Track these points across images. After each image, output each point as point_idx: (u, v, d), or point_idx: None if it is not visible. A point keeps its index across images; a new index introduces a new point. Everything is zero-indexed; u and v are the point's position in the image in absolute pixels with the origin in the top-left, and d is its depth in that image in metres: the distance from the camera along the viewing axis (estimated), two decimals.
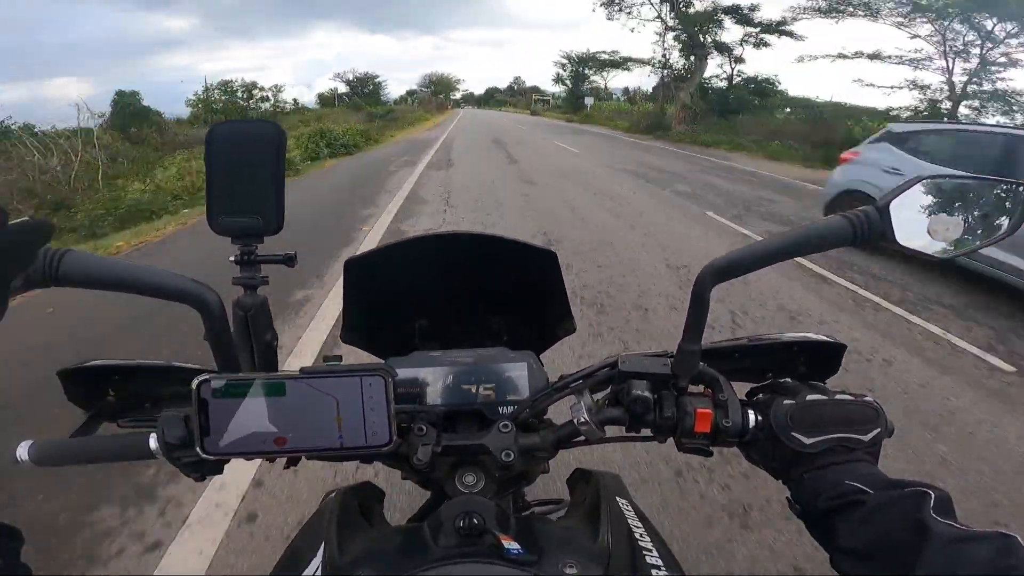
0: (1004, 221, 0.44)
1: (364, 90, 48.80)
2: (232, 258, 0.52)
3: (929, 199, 0.45)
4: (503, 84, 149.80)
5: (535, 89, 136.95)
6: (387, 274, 0.65)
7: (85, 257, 0.41)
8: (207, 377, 0.43)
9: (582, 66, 44.78)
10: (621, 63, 36.79)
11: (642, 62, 29.33)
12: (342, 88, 48.43)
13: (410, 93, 61.59)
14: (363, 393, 0.43)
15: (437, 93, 67.04)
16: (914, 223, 0.44)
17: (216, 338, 0.46)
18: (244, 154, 0.50)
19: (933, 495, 0.38)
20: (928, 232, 0.44)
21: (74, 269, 0.40)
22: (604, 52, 39.19)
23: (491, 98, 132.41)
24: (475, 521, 0.43)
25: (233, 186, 0.50)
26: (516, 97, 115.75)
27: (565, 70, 46.04)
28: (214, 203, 0.50)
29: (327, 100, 47.23)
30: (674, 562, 0.47)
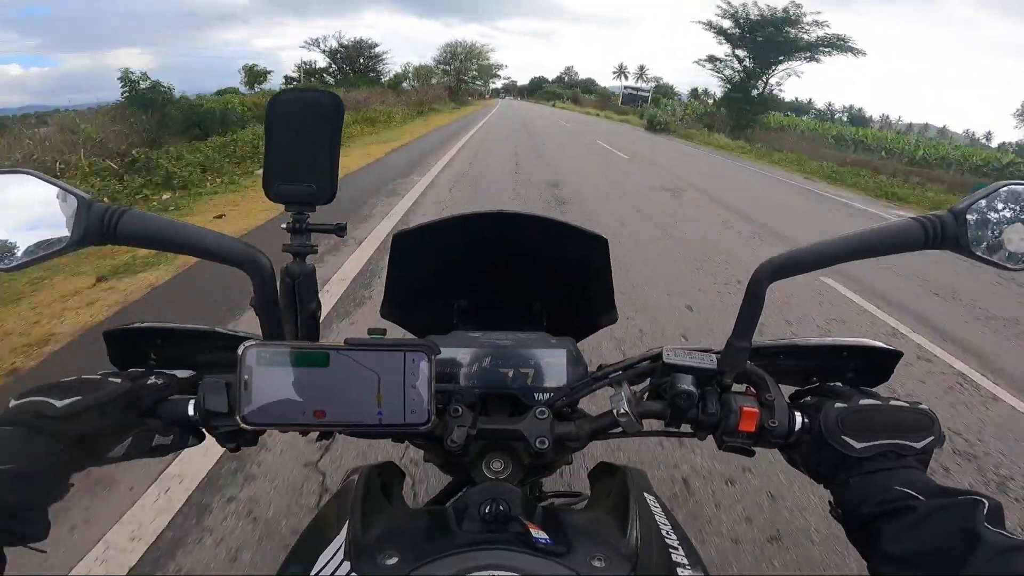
0: None
1: (356, 64, 36.74)
2: (284, 225, 0.55)
3: (1009, 208, 0.44)
4: (551, 74, 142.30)
5: (590, 82, 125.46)
6: (433, 250, 0.67)
7: (142, 216, 0.43)
8: (254, 343, 0.44)
9: (758, 33, 22.32)
10: (827, 45, 21.00)
11: (856, 51, 20.64)
12: (322, 61, 36.59)
13: (418, 71, 41.35)
14: (405, 369, 0.44)
15: (462, 75, 47.66)
16: (990, 232, 0.44)
17: (264, 304, 0.48)
18: (303, 123, 0.53)
19: (987, 504, 0.38)
20: (1003, 241, 0.44)
21: (131, 228, 0.43)
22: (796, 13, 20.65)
23: (538, 88, 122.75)
24: (501, 508, 0.44)
25: (290, 154, 0.53)
26: (569, 89, 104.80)
27: (727, 39, 23.84)
28: (271, 170, 0.53)
29: (307, 74, 36.06)
30: (700, 562, 0.47)
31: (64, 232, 0.42)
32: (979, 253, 0.44)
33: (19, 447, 0.38)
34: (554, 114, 38.24)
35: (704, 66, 26.64)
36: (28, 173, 0.42)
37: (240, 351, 0.43)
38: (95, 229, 0.42)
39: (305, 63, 37.75)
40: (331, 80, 37.30)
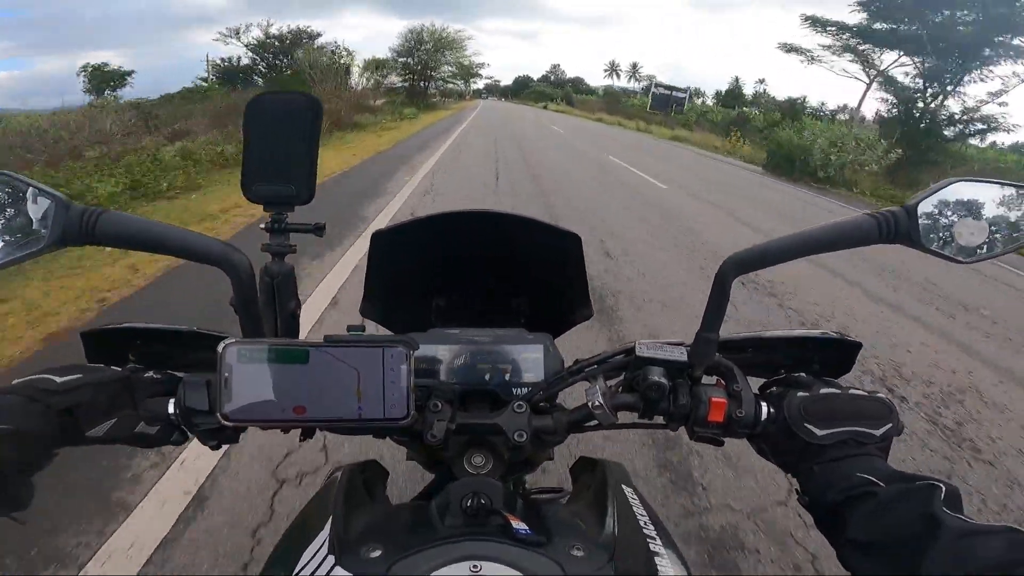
0: None
1: (295, 60, 26.92)
2: (263, 225, 0.56)
3: (958, 203, 0.47)
4: (536, 73, 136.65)
5: (578, 80, 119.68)
6: (411, 249, 0.69)
7: (120, 217, 0.45)
8: (233, 341, 0.45)
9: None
10: None
11: None
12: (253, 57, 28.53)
13: (370, 65, 29.67)
14: (384, 365, 0.46)
15: (429, 70, 35.94)
16: (940, 226, 0.47)
17: (243, 303, 0.49)
18: (281, 124, 0.54)
19: (944, 489, 0.41)
20: (953, 235, 0.47)
21: (109, 228, 0.44)
22: None
23: (524, 88, 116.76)
24: (483, 501, 0.46)
25: (268, 155, 0.54)
26: (557, 88, 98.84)
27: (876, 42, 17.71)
28: (249, 170, 0.54)
29: (228, 73, 27.08)
30: (677, 551, 0.49)
31: (41, 233, 0.42)
32: (931, 247, 0.47)
33: (15, 412, 0.41)
34: (551, 123, 27.80)
35: (837, 71, 19.15)
36: (4, 174, 0.43)
37: (220, 349, 0.45)
38: (73, 230, 0.43)
39: (224, 60, 29.29)
40: (259, 80, 29.76)
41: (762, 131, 23.34)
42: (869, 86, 20.00)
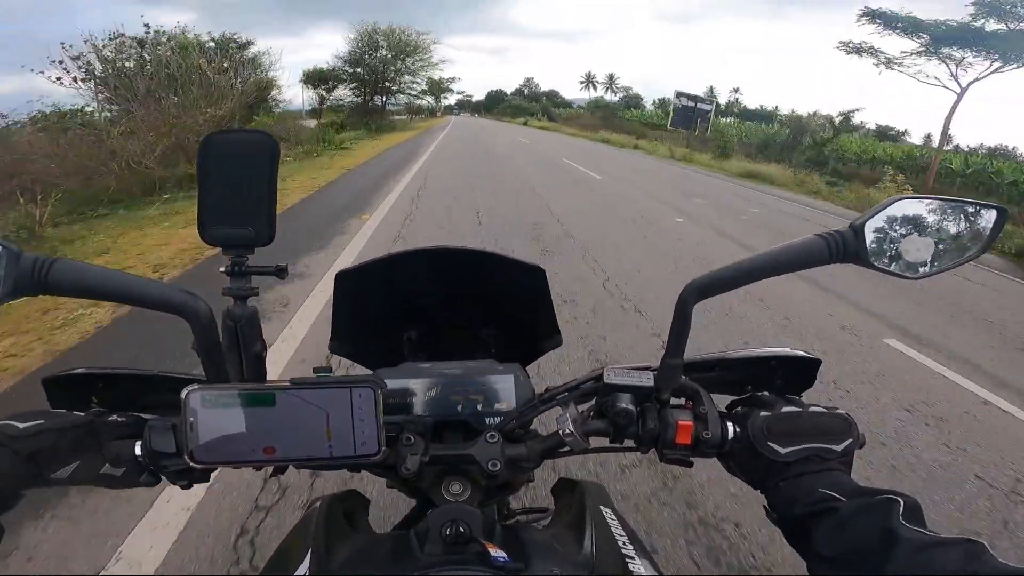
0: (975, 242, 0.50)
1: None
2: (222, 268, 0.56)
3: (903, 220, 0.50)
4: (509, 87, 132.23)
5: (553, 94, 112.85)
6: (377, 286, 0.70)
7: (74, 266, 0.45)
8: (196, 387, 0.46)
9: None
10: None
11: None
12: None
13: (312, 76, 27.48)
14: (352, 404, 0.47)
15: (379, 82, 29.25)
16: (887, 243, 0.50)
17: (205, 348, 0.50)
18: (237, 164, 0.54)
19: (903, 503, 0.43)
20: (900, 253, 0.50)
21: (62, 277, 0.44)
22: None
23: (497, 103, 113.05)
24: (461, 529, 0.47)
25: (225, 196, 0.54)
26: (532, 102, 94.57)
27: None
28: (206, 212, 0.54)
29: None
30: (656, 569, 0.51)
31: None
32: (879, 265, 0.49)
33: None
34: (543, 146, 22.05)
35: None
36: None
37: (183, 395, 0.45)
38: (25, 281, 0.43)
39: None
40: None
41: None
42: (961, 96, 16.68)
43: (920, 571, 0.38)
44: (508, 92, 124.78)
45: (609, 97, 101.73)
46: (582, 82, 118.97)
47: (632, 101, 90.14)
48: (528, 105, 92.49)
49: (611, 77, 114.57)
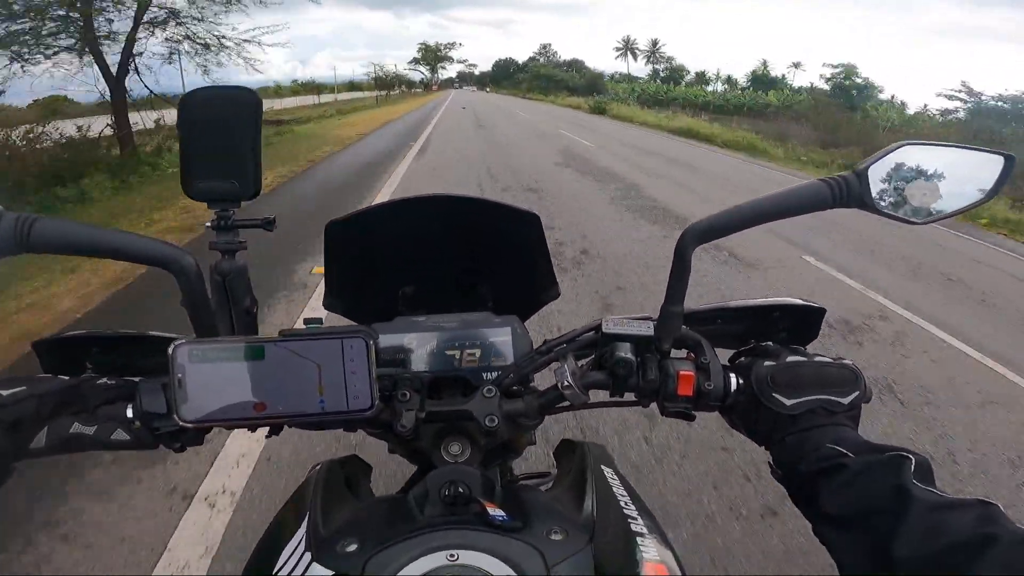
0: (981, 189, 0.53)
1: None
2: (208, 223, 0.58)
3: (908, 166, 0.53)
4: (521, 56, 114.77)
5: (577, 63, 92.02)
6: (369, 238, 0.72)
7: (56, 223, 0.47)
8: (183, 341, 0.48)
9: None
10: None
11: None
12: None
13: None
14: (344, 356, 0.49)
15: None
16: (892, 188, 0.52)
17: (193, 304, 0.52)
18: (220, 120, 0.57)
19: (913, 460, 0.44)
20: (905, 197, 0.52)
21: (45, 235, 0.46)
22: None
23: (507, 75, 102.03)
24: (460, 490, 0.49)
25: (209, 151, 0.57)
26: (567, 72, 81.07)
27: None
28: (189, 168, 0.57)
29: None
30: (658, 530, 0.53)
31: None
32: (884, 210, 0.52)
33: None
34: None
35: None
36: None
37: (170, 351, 0.47)
38: (8, 240, 0.45)
39: None
40: None
41: None
42: None
43: (935, 532, 0.38)
44: (520, 61, 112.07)
45: (648, 69, 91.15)
46: (618, 49, 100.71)
47: (675, 75, 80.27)
48: (565, 76, 77.73)
49: (655, 43, 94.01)
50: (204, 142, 0.58)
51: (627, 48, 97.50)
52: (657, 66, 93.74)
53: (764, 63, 79.00)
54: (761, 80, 69.87)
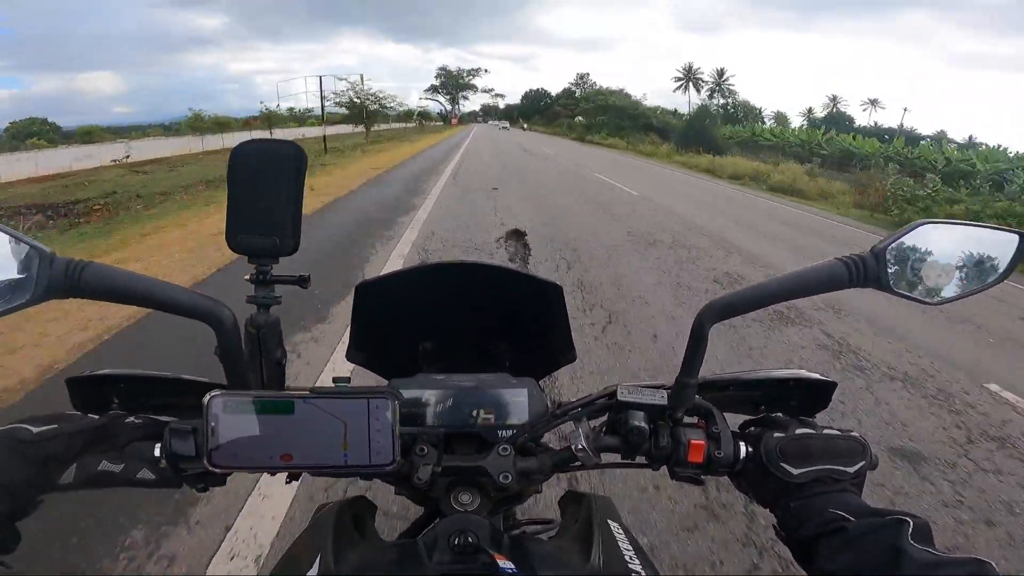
0: (997, 268, 0.56)
1: None
2: (247, 277, 0.63)
3: (925, 245, 0.56)
4: (553, 88, 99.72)
5: (621, 95, 70.53)
6: (396, 298, 0.77)
7: (105, 270, 0.51)
8: (219, 393, 0.52)
9: None
10: None
11: None
12: None
13: None
14: (370, 414, 0.53)
15: None
16: (908, 269, 0.56)
17: (228, 354, 0.56)
18: (265, 173, 0.62)
19: (912, 523, 0.47)
20: (921, 277, 0.56)
21: (94, 281, 0.50)
22: None
23: (537, 108, 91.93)
24: (469, 539, 0.52)
25: (252, 205, 0.62)
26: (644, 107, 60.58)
27: None
28: (233, 221, 0.62)
29: None
30: None
31: (26, 285, 0.49)
32: (899, 290, 0.55)
33: None
34: None
35: None
36: None
37: (205, 400, 0.51)
38: (58, 283, 0.49)
39: None
40: None
41: None
42: None
43: None
44: (553, 93, 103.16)
45: (715, 102, 75.59)
46: (678, 80, 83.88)
47: (746, 112, 68.05)
48: (647, 111, 56.89)
49: (721, 73, 76.67)
50: (249, 195, 0.63)
51: (689, 78, 77.67)
52: (722, 100, 78.51)
53: (834, 99, 71.20)
54: (836, 120, 62.37)
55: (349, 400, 0.54)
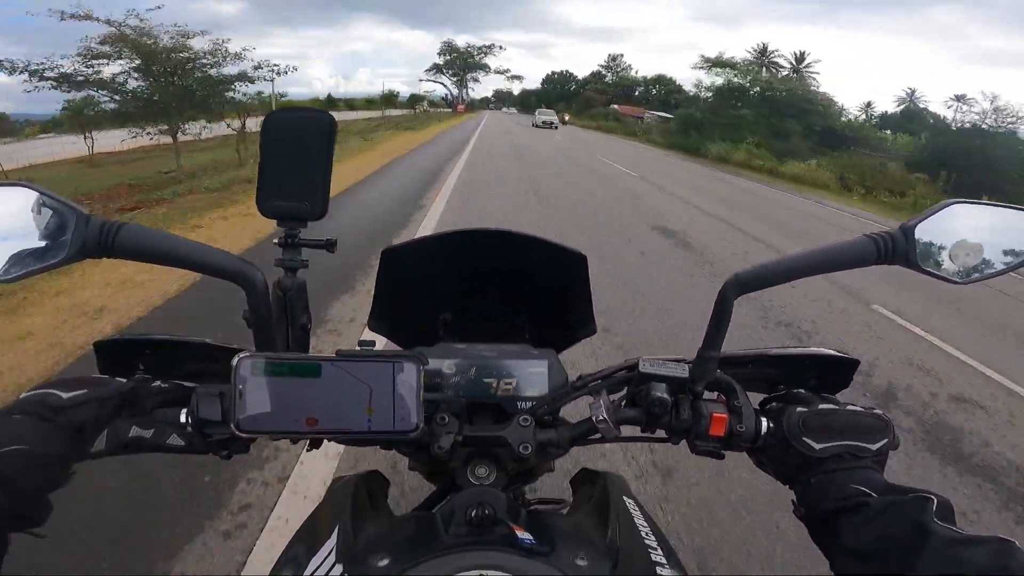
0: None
1: None
2: (276, 240, 0.66)
3: (954, 224, 0.58)
4: (581, 71, 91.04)
5: (664, 80, 67.18)
6: (419, 265, 0.80)
7: (139, 230, 0.53)
8: (248, 354, 0.54)
9: None
10: None
11: None
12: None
13: None
14: (395, 378, 0.55)
15: None
16: (937, 247, 0.58)
17: (257, 317, 0.58)
18: (296, 141, 0.65)
19: (936, 500, 0.48)
20: (949, 256, 0.58)
21: (128, 242, 0.52)
22: None
23: (562, 94, 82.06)
24: (487, 512, 0.54)
25: (283, 171, 0.65)
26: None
27: None
28: (264, 186, 0.65)
29: None
30: (677, 562, 0.58)
31: (61, 245, 0.51)
32: (927, 268, 0.57)
33: (30, 433, 0.49)
34: None
35: None
36: (27, 186, 0.52)
37: (234, 362, 0.53)
38: (93, 243, 0.51)
39: None
40: None
41: None
42: None
43: (950, 567, 0.43)
44: (580, 76, 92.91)
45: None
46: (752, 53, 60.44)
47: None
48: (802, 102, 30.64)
49: (800, 58, 60.55)
50: (280, 162, 0.66)
51: (764, 60, 58.92)
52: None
53: (911, 93, 64.35)
54: (914, 117, 52.67)
55: (375, 363, 0.56)
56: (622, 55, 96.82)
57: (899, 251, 0.58)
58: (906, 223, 0.58)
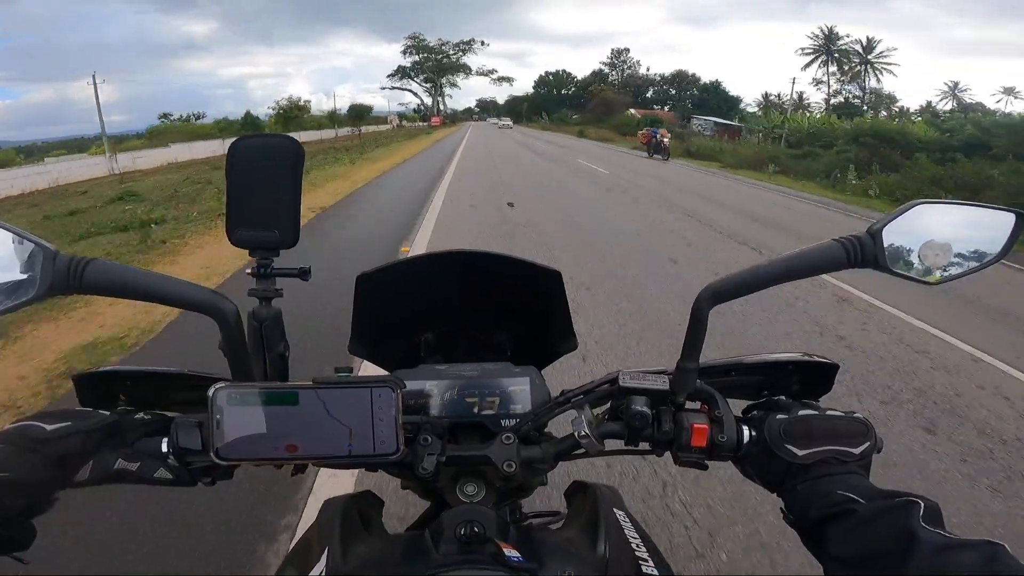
0: (994, 247, 0.61)
1: None
2: (249, 270, 0.67)
3: (922, 225, 0.60)
4: (578, 70, 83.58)
5: (688, 78, 62.35)
6: (396, 289, 0.82)
7: (107, 266, 0.54)
8: (224, 385, 0.55)
9: None
10: None
11: None
12: None
13: None
14: (372, 404, 0.57)
15: None
16: (905, 248, 0.60)
17: (231, 348, 0.60)
18: (263, 168, 0.67)
19: (923, 505, 0.49)
20: (919, 257, 0.60)
21: (96, 277, 0.54)
22: None
23: (557, 98, 76.27)
24: (476, 529, 0.56)
25: (252, 199, 0.66)
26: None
27: None
28: (233, 215, 0.66)
29: None
30: (669, 573, 0.59)
31: (30, 283, 0.53)
32: (898, 270, 0.59)
33: (13, 461, 0.51)
34: None
35: None
36: None
37: (211, 393, 0.55)
38: (61, 280, 0.53)
39: None
40: None
41: None
42: None
43: (939, 572, 0.44)
44: (579, 77, 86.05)
45: (846, 89, 58.28)
46: (808, 53, 61.10)
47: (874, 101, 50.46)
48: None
49: (868, 47, 55.34)
50: (248, 190, 0.68)
51: (828, 52, 53.95)
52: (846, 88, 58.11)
53: (954, 86, 58.19)
54: (968, 112, 46.15)
55: (352, 390, 0.58)
56: (627, 49, 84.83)
57: (868, 254, 0.60)
58: (873, 225, 0.60)
